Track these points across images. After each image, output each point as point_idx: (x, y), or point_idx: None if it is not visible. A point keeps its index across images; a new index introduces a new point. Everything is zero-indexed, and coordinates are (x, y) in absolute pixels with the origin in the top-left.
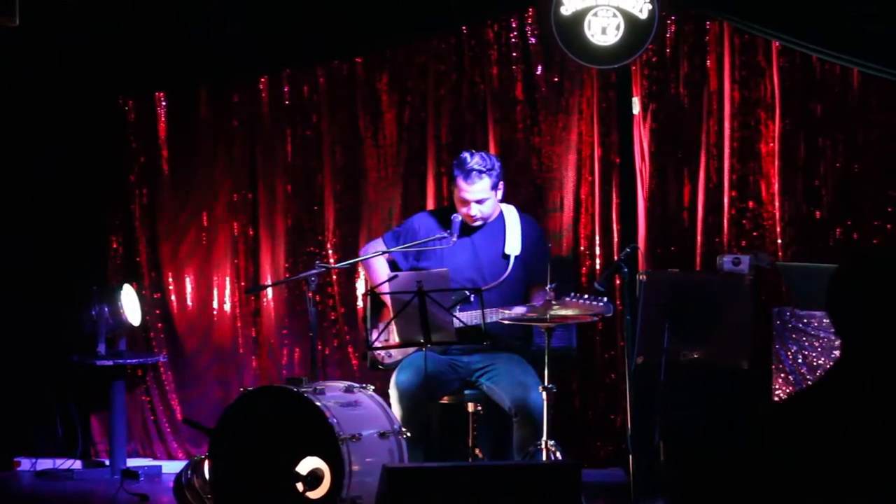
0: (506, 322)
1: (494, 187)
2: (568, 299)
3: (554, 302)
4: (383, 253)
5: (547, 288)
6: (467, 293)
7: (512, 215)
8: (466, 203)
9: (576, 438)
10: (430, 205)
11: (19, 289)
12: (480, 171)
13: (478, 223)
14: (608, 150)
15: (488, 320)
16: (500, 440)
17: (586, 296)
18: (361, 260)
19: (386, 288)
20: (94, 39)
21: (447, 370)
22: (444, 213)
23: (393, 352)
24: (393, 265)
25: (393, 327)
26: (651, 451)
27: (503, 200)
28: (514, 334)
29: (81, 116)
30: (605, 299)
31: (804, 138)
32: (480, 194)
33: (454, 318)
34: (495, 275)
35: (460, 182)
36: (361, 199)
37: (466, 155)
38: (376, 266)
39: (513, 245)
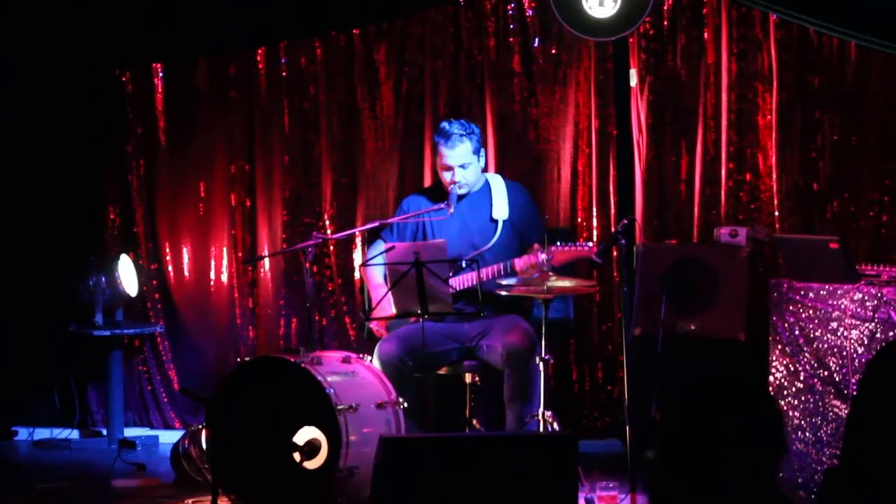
0: (503, 293)
1: (476, 152)
2: (555, 248)
3: (542, 254)
4: (387, 251)
5: (543, 258)
6: (463, 263)
7: (497, 182)
8: (450, 169)
9: (573, 410)
10: (427, 177)
11: (17, 259)
12: (461, 135)
13: (463, 190)
14: (605, 122)
15: (484, 280)
16: (498, 411)
17: (570, 242)
18: (356, 231)
19: (383, 259)
20: (92, 10)
21: (444, 340)
22: (432, 191)
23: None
24: None
25: (390, 298)
26: (648, 423)
27: (486, 170)
28: (513, 304)
29: (79, 87)
30: (590, 243)
31: (801, 111)
32: (463, 158)
33: (451, 289)
34: (486, 240)
35: (442, 149)
36: (359, 171)
37: (445, 123)
38: (374, 280)
39: (500, 209)
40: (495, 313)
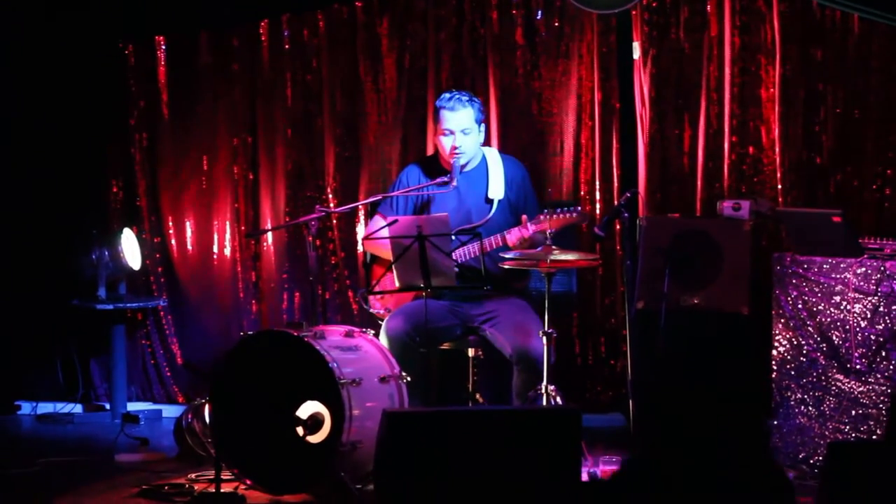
0: (505, 266)
1: (478, 122)
2: (542, 216)
3: (530, 223)
4: (389, 225)
5: (547, 232)
6: (465, 237)
7: (494, 158)
8: (451, 133)
9: (576, 383)
10: (430, 150)
11: (20, 233)
12: (465, 100)
13: (461, 159)
14: (608, 95)
15: (477, 253)
16: (501, 385)
17: (557, 209)
18: (359, 205)
19: (386, 233)
20: None
21: (448, 316)
22: (429, 162)
23: (391, 307)
24: None
25: (393, 272)
26: (651, 397)
27: (487, 143)
28: (511, 276)
29: (82, 60)
30: (578, 207)
31: (804, 84)
32: (464, 123)
33: (454, 262)
34: (480, 218)
35: (444, 112)
36: (361, 144)
37: (447, 93)
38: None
39: (496, 189)
40: (500, 294)
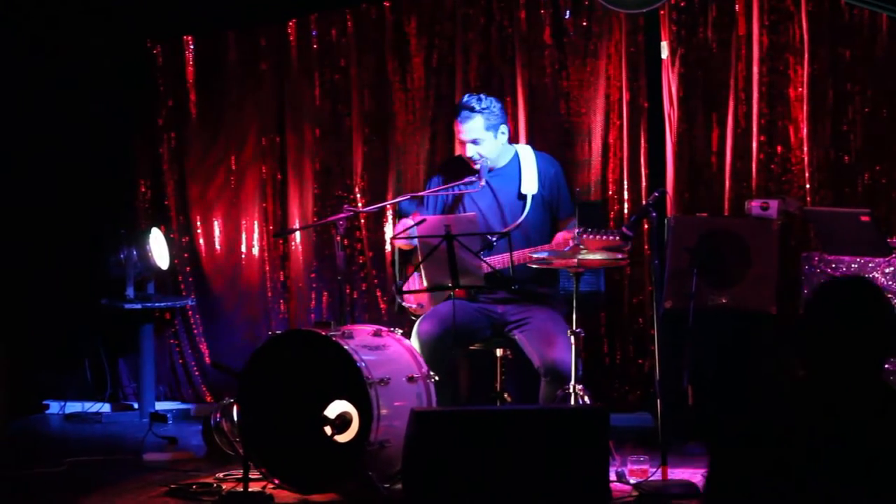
0: (534, 266)
1: (491, 128)
2: (587, 236)
3: (577, 235)
4: (417, 224)
5: (575, 231)
6: (492, 238)
7: (527, 155)
8: (462, 144)
9: (604, 383)
10: (458, 149)
11: (48, 233)
12: (471, 111)
13: (484, 163)
14: (636, 95)
15: (516, 263)
16: (529, 384)
17: (604, 230)
18: (387, 204)
19: (414, 232)
20: None
21: (479, 318)
22: (458, 162)
23: (424, 303)
24: None
25: (422, 271)
26: (679, 396)
27: (516, 141)
28: (542, 281)
29: (110, 60)
30: (623, 231)
31: (833, 83)
32: (473, 133)
33: (482, 263)
34: (515, 217)
35: (455, 122)
36: (389, 143)
37: (465, 97)
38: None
39: (529, 185)
40: (531, 300)
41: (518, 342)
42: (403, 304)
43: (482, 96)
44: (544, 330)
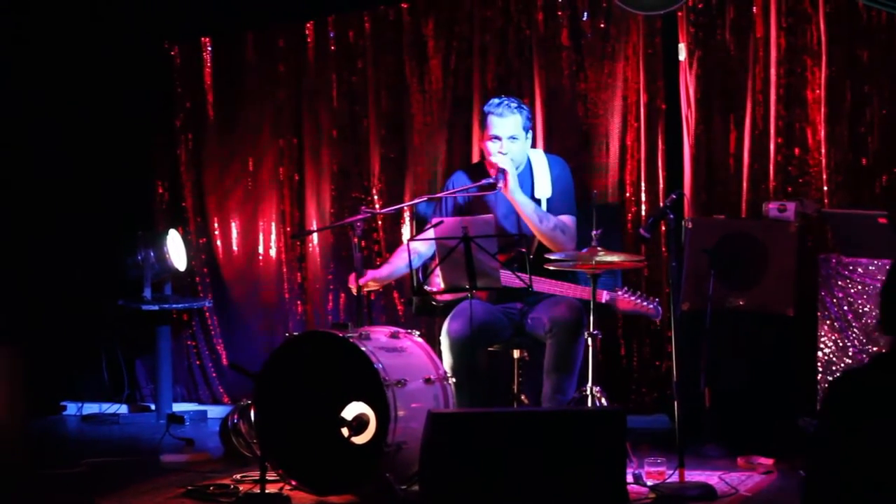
0: (551, 268)
1: (526, 129)
2: (619, 294)
3: (605, 292)
4: (435, 226)
5: (592, 233)
6: (518, 245)
7: (539, 159)
8: (497, 139)
9: (621, 385)
10: (476, 152)
11: (66, 234)
12: (515, 107)
13: (506, 165)
14: (654, 97)
15: (537, 288)
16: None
17: (638, 293)
18: (405, 206)
19: (432, 234)
20: None
21: (501, 318)
22: (475, 169)
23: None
24: None
25: (438, 273)
26: (696, 398)
27: (532, 145)
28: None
29: (128, 61)
30: (657, 301)
31: (850, 85)
32: (512, 130)
33: (499, 266)
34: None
35: (492, 119)
36: (407, 145)
37: (495, 98)
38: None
39: (542, 188)
40: (544, 294)
41: (529, 327)
42: (427, 287)
43: (514, 99)
44: (552, 300)
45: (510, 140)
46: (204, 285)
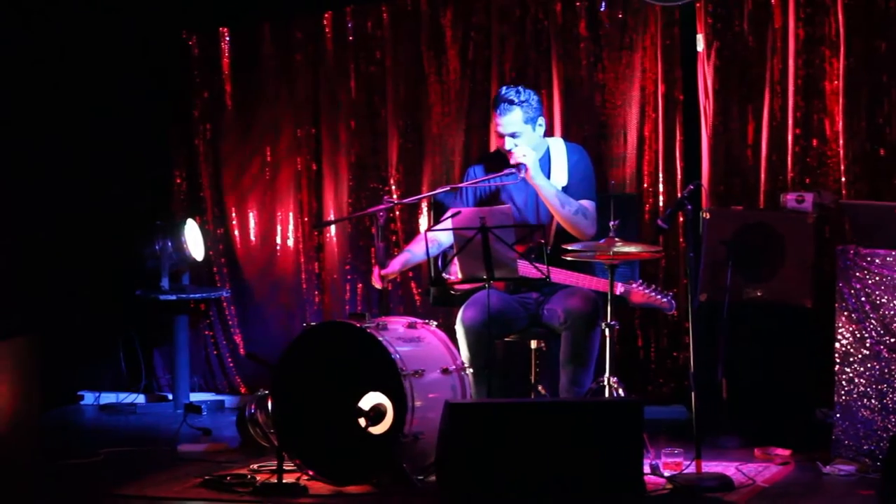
0: (568, 258)
1: (530, 121)
2: (633, 287)
3: (619, 284)
4: (452, 216)
5: (610, 224)
6: (538, 240)
7: (558, 147)
8: (501, 137)
9: (638, 376)
10: (493, 142)
11: (84, 224)
12: (510, 103)
13: (521, 157)
14: (672, 87)
15: (554, 279)
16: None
17: (653, 286)
18: (427, 196)
19: (449, 223)
20: None
21: (517, 308)
22: (494, 158)
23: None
24: None
25: (456, 263)
26: (713, 389)
27: (550, 134)
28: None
29: (146, 51)
30: (671, 295)
31: (868, 76)
32: (512, 127)
33: (517, 256)
34: (548, 211)
35: (493, 115)
36: (425, 135)
37: (502, 89)
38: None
39: (558, 177)
40: (559, 285)
41: (545, 318)
42: (445, 275)
43: (520, 88)
44: (568, 291)
45: (512, 137)
46: (221, 275)
